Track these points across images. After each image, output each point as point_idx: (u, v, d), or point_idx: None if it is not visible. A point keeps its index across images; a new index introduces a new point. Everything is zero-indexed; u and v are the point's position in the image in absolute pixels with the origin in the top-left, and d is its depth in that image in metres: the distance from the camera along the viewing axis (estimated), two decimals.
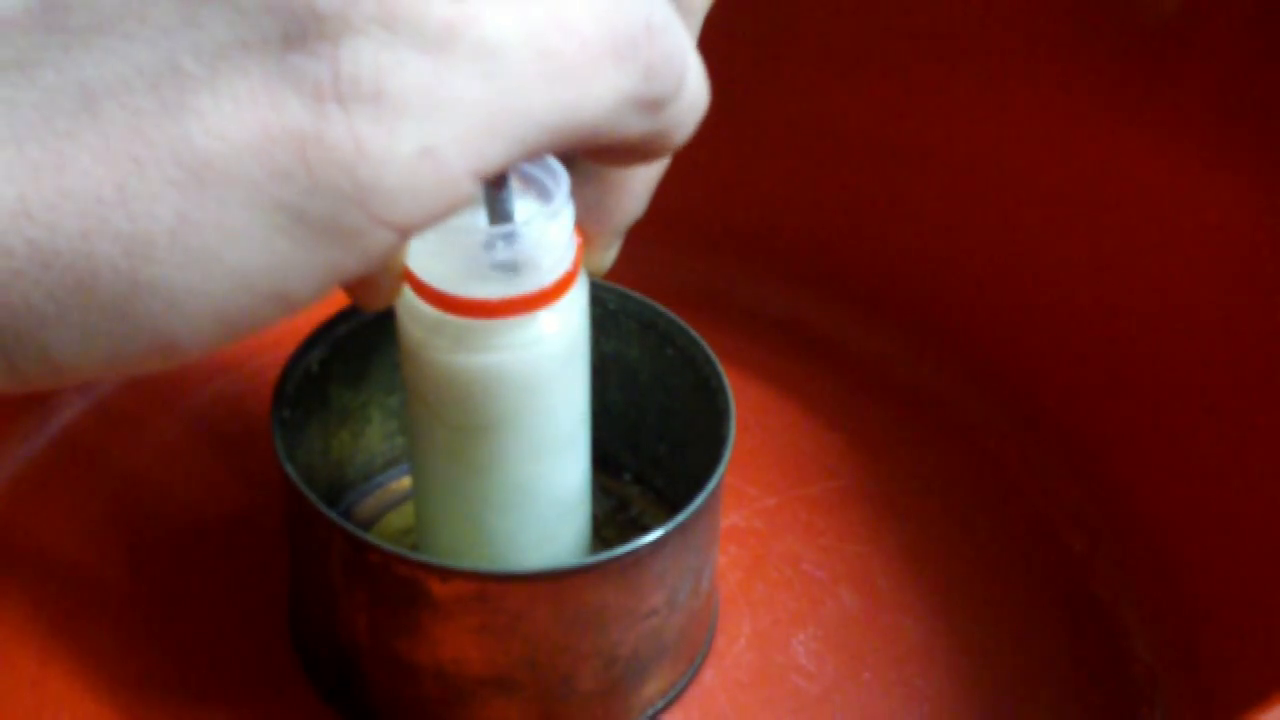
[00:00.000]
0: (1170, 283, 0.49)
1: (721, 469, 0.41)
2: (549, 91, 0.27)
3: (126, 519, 0.48)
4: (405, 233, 0.27)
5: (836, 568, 0.48)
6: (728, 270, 0.57)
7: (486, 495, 0.41)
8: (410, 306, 0.38)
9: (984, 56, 0.52)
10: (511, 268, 0.37)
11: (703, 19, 0.38)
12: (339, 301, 0.40)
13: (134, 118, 0.25)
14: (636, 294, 0.46)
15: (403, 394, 0.41)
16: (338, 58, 0.26)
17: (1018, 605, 0.48)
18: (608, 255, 0.40)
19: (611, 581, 0.40)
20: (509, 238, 0.36)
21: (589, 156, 0.32)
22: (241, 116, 0.25)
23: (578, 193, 0.38)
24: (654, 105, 0.29)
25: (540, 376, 0.39)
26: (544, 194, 0.38)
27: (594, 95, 0.28)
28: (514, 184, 0.37)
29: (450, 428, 0.40)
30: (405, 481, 0.48)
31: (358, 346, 0.45)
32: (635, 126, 0.29)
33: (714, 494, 0.41)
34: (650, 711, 0.44)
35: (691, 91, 0.31)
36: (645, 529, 0.42)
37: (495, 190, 0.36)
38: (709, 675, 0.45)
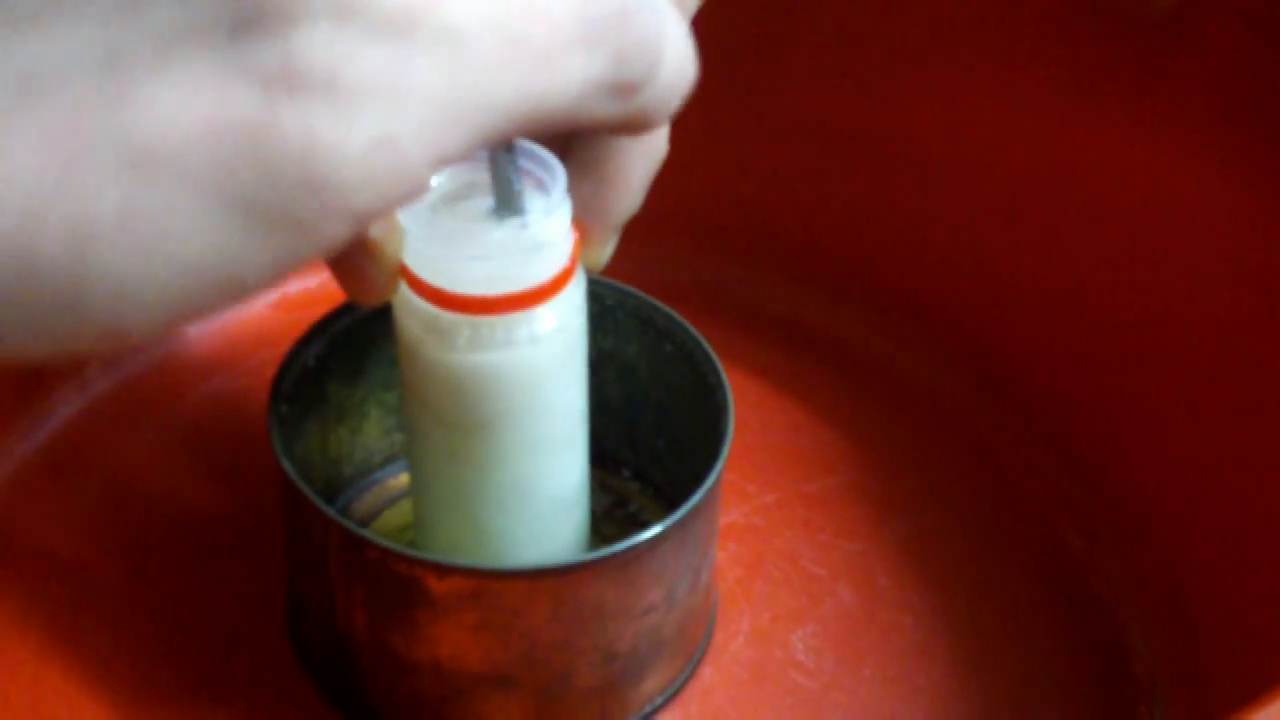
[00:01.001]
0: (1171, 282, 0.49)
1: (720, 465, 0.41)
2: (514, 78, 0.27)
3: (124, 517, 0.48)
4: (361, 221, 0.26)
5: (836, 564, 0.48)
6: (726, 266, 0.57)
7: (484, 492, 0.40)
8: (407, 303, 0.38)
9: (984, 56, 0.52)
10: (536, 247, 0.37)
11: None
12: (336, 297, 0.40)
13: (74, 107, 0.25)
14: (634, 290, 0.46)
15: (401, 390, 0.41)
16: (288, 46, 0.25)
17: (1017, 603, 0.48)
18: (605, 251, 0.40)
19: (610, 578, 0.40)
20: (523, 224, 0.36)
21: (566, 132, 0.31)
22: (187, 106, 0.25)
23: (574, 188, 0.37)
24: (626, 90, 0.29)
25: (538, 373, 0.39)
26: (540, 189, 0.37)
27: (561, 82, 0.27)
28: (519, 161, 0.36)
29: (448, 425, 0.39)
30: (403, 478, 0.48)
31: (355, 342, 0.45)
32: (606, 111, 0.29)
33: (713, 490, 0.41)
34: (648, 708, 0.44)
35: (670, 72, 0.30)
36: (644, 525, 0.42)
37: (502, 169, 0.35)
38: (708, 672, 0.45)
